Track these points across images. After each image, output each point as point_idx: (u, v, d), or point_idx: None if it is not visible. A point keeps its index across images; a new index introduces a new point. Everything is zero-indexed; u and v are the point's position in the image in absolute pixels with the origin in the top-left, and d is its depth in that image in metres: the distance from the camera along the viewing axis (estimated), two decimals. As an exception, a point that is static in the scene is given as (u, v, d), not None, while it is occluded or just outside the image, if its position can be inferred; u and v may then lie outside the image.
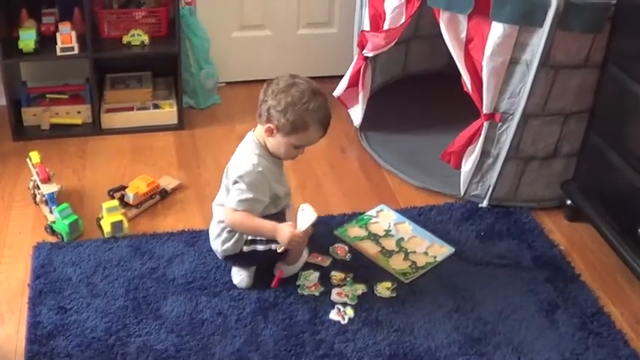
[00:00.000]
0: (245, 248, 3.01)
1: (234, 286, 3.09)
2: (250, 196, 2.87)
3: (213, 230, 3.09)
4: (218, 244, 3.05)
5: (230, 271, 3.12)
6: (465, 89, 3.39)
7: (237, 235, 2.99)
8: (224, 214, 2.97)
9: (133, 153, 3.94)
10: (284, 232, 2.90)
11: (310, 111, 2.82)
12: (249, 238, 3.01)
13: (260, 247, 3.01)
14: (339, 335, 2.91)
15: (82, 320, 2.91)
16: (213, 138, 4.09)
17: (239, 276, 3.09)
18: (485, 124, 3.40)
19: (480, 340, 2.92)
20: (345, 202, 3.65)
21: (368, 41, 3.77)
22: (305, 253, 3.21)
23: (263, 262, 3.09)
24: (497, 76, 3.27)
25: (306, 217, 2.94)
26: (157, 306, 2.99)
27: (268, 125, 2.87)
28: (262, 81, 4.37)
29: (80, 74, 4.13)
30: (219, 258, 3.12)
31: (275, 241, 2.97)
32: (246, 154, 2.94)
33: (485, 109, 3.36)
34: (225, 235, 3.02)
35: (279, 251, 2.97)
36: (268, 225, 2.92)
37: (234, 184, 2.89)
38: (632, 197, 3.12)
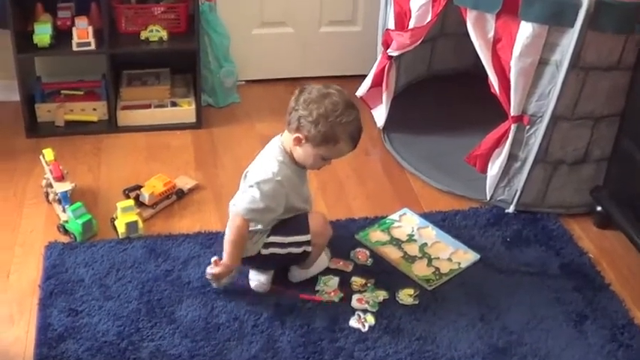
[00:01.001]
0: (263, 251, 2.99)
1: (251, 291, 3.07)
2: (262, 205, 2.85)
3: None
4: None
5: (247, 274, 3.10)
6: (492, 90, 3.36)
7: (256, 235, 2.97)
8: (231, 213, 2.96)
9: (150, 152, 3.94)
10: (223, 270, 2.96)
11: (342, 124, 2.80)
12: (268, 240, 2.98)
13: (279, 251, 3.00)
14: (359, 343, 2.89)
15: (94, 323, 2.89)
16: (231, 137, 4.09)
17: (256, 280, 3.08)
18: (513, 126, 3.37)
19: (505, 350, 2.89)
20: (367, 205, 3.63)
21: (393, 40, 3.74)
22: (325, 258, 3.19)
23: (280, 264, 3.09)
24: (526, 77, 3.24)
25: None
26: (172, 310, 2.97)
27: (297, 135, 2.84)
28: (283, 80, 4.49)
29: (96, 70, 4.12)
30: None
31: (294, 245, 2.98)
32: (268, 160, 2.91)
33: (512, 111, 3.33)
34: None
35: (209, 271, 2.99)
36: (233, 257, 2.94)
37: (250, 187, 2.87)
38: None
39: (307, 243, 3.00)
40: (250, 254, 3.00)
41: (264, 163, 2.91)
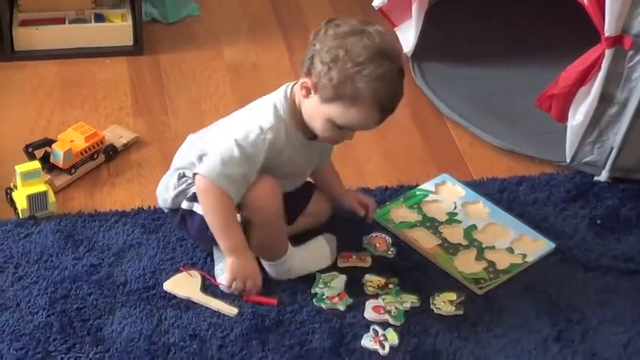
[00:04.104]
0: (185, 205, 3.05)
1: (218, 292, 3.06)
2: (240, 171, 2.86)
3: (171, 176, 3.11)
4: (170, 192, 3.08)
5: (212, 268, 3.11)
6: (576, -2, 3.35)
7: None
8: (195, 179, 2.95)
9: (64, 89, 3.94)
10: (240, 264, 2.97)
11: (364, 77, 2.78)
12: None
13: None
14: (376, 373, 2.91)
15: (-19, 346, 2.90)
16: (187, 69, 4.10)
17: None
18: (608, 52, 3.35)
19: (593, 386, 2.92)
20: (386, 168, 3.67)
21: None
22: (327, 250, 3.20)
23: None
24: (630, -21, 3.23)
25: None
26: (99, 324, 2.96)
27: (306, 80, 2.85)
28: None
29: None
30: (165, 211, 3.17)
31: None
32: (263, 107, 2.93)
33: (607, 30, 3.31)
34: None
35: (220, 283, 3.04)
36: (235, 234, 2.97)
37: (227, 142, 2.87)
38: None
39: None
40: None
41: (255, 111, 2.93)
